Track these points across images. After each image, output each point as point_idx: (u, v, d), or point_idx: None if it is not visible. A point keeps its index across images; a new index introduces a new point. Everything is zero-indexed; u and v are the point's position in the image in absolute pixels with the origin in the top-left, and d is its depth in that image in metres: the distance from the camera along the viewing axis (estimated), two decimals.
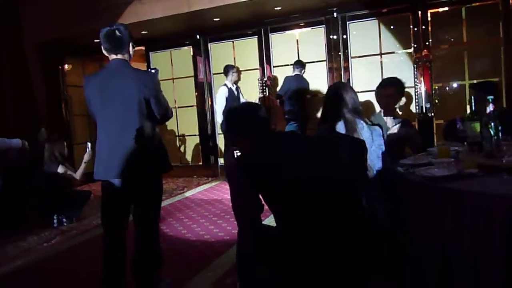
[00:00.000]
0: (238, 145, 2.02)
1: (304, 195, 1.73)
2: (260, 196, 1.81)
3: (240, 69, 6.55)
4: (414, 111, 5.70)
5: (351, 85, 6.00)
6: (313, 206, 1.72)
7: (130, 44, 2.44)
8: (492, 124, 1.95)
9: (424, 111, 5.67)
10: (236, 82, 6.21)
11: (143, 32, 6.58)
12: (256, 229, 1.79)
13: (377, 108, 5.94)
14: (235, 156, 2.06)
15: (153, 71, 2.58)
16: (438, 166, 2.00)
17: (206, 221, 4.29)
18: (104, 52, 2.42)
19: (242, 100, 6.20)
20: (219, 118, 6.03)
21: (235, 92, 6.12)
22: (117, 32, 2.36)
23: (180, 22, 6.21)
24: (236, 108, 2.13)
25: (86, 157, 4.44)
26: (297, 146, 1.86)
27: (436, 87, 5.70)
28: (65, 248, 3.82)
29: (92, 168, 2.46)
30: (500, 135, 1.95)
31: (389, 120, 3.18)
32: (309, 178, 1.75)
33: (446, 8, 5.59)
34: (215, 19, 6.16)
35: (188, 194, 5.74)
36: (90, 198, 4.81)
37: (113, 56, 2.40)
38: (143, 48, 7.42)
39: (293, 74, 5.99)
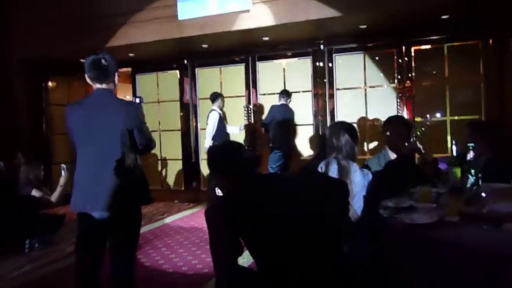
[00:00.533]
0: (220, 183, 1.99)
1: (284, 238, 1.70)
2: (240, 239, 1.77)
3: (226, 95, 6.57)
4: None
5: (335, 115, 6.11)
6: (292, 249, 1.70)
7: (116, 73, 2.40)
8: (473, 171, 1.97)
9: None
10: (221, 109, 6.22)
11: (130, 54, 6.57)
12: (233, 274, 1.74)
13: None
14: (216, 194, 2.03)
15: (137, 100, 2.54)
16: (419, 212, 1.99)
17: (184, 251, 4.19)
18: (88, 80, 2.38)
19: (227, 126, 6.19)
20: (207, 143, 5.99)
21: (223, 119, 6.13)
22: (103, 61, 2.32)
23: (169, 47, 6.23)
24: (221, 147, 2.11)
25: (62, 180, 4.32)
26: (279, 188, 1.83)
27: (418, 120, 5.80)
28: (36, 277, 3.65)
29: (70, 190, 2.40)
30: (480, 182, 1.97)
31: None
32: (290, 221, 1.72)
33: (429, 46, 5.75)
34: (204, 46, 6.20)
35: (168, 220, 5.63)
36: (64, 223, 4.65)
37: (97, 85, 2.35)
38: (129, 69, 7.40)
39: (279, 103, 6.02)
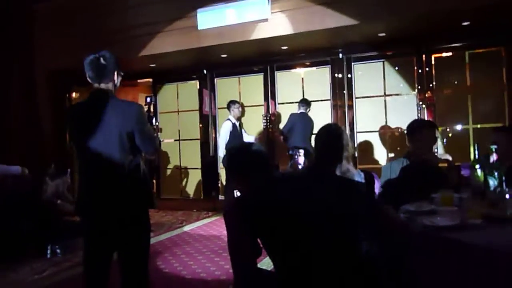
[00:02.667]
0: (238, 184, 1.98)
1: (302, 238, 1.69)
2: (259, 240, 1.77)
3: (245, 104, 6.61)
4: None
5: (355, 125, 6.07)
6: (310, 249, 1.68)
7: (116, 73, 2.30)
8: (496, 173, 1.92)
9: None
10: (239, 118, 6.25)
11: (152, 65, 6.70)
12: (252, 276, 1.73)
13: (377, 149, 5.99)
14: (235, 196, 2.02)
15: (148, 99, 2.48)
16: (440, 215, 1.95)
17: (203, 258, 4.19)
18: (89, 80, 2.30)
19: (245, 135, 6.22)
20: (221, 152, 6.03)
21: (238, 128, 6.15)
22: (101, 60, 2.24)
23: (189, 57, 6.34)
24: (237, 148, 2.11)
25: None
26: (297, 187, 1.82)
27: (440, 130, 5.70)
28: (57, 281, 3.71)
29: None
30: (504, 185, 1.92)
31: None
32: (308, 221, 1.71)
33: (449, 53, 5.67)
34: (222, 55, 6.28)
35: (186, 228, 5.65)
36: None
37: (97, 85, 2.28)
38: (150, 80, 7.56)
39: (298, 112, 6.02)
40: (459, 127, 5.71)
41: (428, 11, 4.59)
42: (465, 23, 5.00)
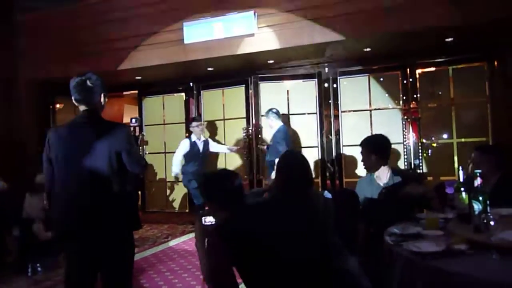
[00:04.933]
0: (215, 212, 1.98)
1: (280, 265, 1.71)
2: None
3: (230, 117, 6.59)
4: (402, 167, 5.73)
5: (341, 138, 6.09)
6: (289, 276, 1.71)
7: (102, 95, 2.32)
8: (481, 198, 1.93)
9: (412, 167, 5.69)
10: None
11: (137, 77, 6.65)
12: None
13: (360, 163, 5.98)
14: (203, 224, 2.02)
15: (133, 120, 2.51)
16: (426, 239, 1.96)
17: (188, 276, 4.13)
18: (75, 102, 2.30)
19: (217, 146, 6.18)
20: (174, 168, 5.97)
21: (200, 146, 5.92)
22: (88, 82, 2.25)
23: (175, 70, 6.30)
24: (213, 176, 2.11)
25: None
26: (273, 212, 1.84)
27: (424, 142, 5.77)
28: None
29: None
30: (488, 209, 1.93)
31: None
32: (286, 243, 1.72)
33: (433, 68, 5.77)
34: (209, 69, 6.27)
35: (172, 243, 5.57)
36: None
37: (84, 107, 2.28)
38: (136, 92, 7.49)
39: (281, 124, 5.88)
40: (443, 140, 5.78)
41: (412, 29, 4.66)
42: (449, 39, 5.08)
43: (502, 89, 5.33)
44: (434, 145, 5.81)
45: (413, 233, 2.10)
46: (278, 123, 5.64)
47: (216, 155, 6.71)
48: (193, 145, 5.87)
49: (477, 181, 1.97)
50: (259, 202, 2.04)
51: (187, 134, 6.10)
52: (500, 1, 4.32)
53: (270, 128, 5.79)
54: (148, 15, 5.80)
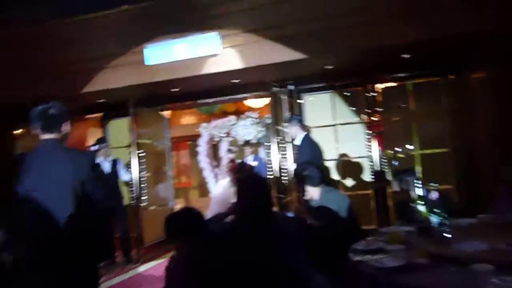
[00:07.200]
0: (178, 246, 1.98)
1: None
2: None
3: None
4: (368, 180, 5.85)
5: None
6: None
7: (65, 123, 2.27)
8: (438, 211, 1.99)
9: (377, 179, 5.81)
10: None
11: (98, 100, 6.52)
12: None
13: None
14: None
15: (96, 147, 2.46)
16: (388, 254, 1.99)
17: None
18: (36, 131, 2.24)
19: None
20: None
21: (106, 167, 5.83)
22: (51, 110, 2.22)
23: (139, 91, 6.22)
24: (174, 215, 2.14)
25: None
26: (232, 241, 1.85)
27: (388, 154, 5.91)
28: None
29: None
30: (446, 222, 1.99)
31: None
32: (247, 272, 1.72)
33: (394, 84, 5.95)
34: (173, 89, 6.24)
35: (141, 269, 5.41)
36: None
37: (46, 136, 2.22)
38: (100, 114, 7.33)
39: None
40: (406, 153, 5.93)
41: (368, 47, 4.82)
42: (406, 56, 5.28)
43: (459, 101, 5.57)
44: (400, 156, 5.95)
45: (375, 248, 2.13)
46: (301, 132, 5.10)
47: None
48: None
49: (434, 195, 2.03)
50: (219, 232, 2.02)
51: None
52: (451, 19, 4.54)
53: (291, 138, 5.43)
54: (108, 36, 5.71)
